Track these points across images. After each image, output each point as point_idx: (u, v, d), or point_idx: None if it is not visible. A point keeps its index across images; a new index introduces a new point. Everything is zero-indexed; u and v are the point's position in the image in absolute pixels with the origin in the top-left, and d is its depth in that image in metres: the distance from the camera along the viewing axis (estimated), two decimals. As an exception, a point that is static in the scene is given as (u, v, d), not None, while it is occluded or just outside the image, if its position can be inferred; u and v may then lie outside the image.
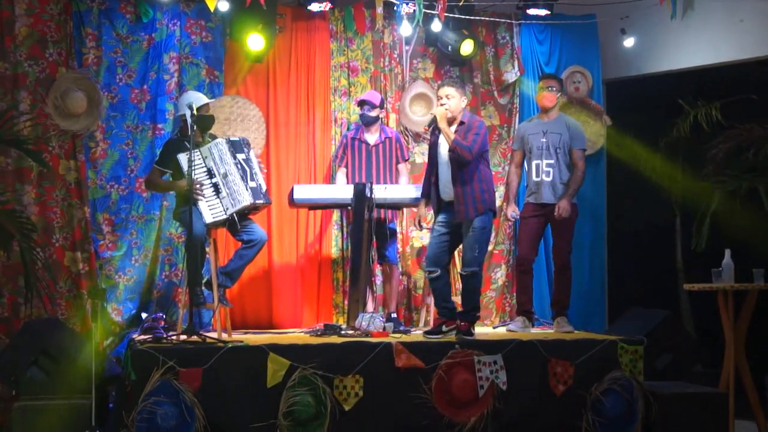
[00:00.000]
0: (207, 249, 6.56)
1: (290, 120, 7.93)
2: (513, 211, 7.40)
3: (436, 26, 7.88)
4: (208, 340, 5.90)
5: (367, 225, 6.92)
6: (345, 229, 7.88)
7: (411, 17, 7.55)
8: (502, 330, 7.27)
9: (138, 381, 5.51)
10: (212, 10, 6.87)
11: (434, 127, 6.46)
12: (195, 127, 6.27)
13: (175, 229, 7.45)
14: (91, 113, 7.21)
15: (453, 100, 6.41)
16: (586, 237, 8.28)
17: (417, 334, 6.68)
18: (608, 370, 6.14)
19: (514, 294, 7.81)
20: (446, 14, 7.67)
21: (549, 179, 7.06)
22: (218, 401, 5.62)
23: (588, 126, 8.20)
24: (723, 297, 6.18)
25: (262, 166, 6.83)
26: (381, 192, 6.99)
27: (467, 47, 8.08)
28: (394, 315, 7.43)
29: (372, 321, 6.56)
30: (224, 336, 6.35)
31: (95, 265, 7.22)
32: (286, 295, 7.77)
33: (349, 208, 7.10)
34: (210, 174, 6.39)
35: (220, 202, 6.39)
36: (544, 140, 7.10)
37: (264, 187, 6.59)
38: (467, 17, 8.02)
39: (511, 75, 8.43)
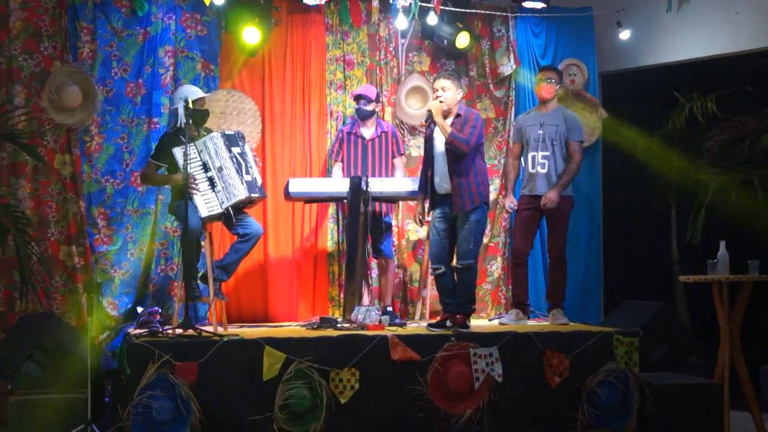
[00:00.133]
0: (202, 243, 6.57)
1: (286, 113, 7.93)
2: (511, 202, 7.42)
3: (432, 19, 7.88)
4: (203, 333, 5.90)
5: (363, 218, 6.92)
6: (341, 223, 7.88)
7: (407, 10, 7.54)
8: (497, 322, 7.28)
9: (134, 375, 5.50)
10: (207, 3, 6.88)
11: (430, 121, 6.46)
12: (190, 120, 6.27)
13: (170, 222, 7.45)
14: (86, 107, 7.20)
15: (449, 93, 6.40)
16: (581, 229, 8.30)
17: (413, 327, 6.69)
18: (604, 362, 6.15)
19: (510, 287, 7.82)
20: (442, 7, 7.69)
21: (544, 171, 7.06)
22: (214, 395, 5.62)
23: (583, 119, 8.18)
24: (718, 288, 6.18)
25: (257, 159, 6.82)
26: (377, 185, 6.99)
27: (463, 40, 8.08)
28: (389, 308, 7.45)
29: (368, 314, 6.57)
30: (220, 330, 6.35)
31: (91, 260, 7.20)
32: (281, 289, 7.78)
33: (345, 201, 7.10)
34: (205, 168, 6.39)
35: (216, 195, 6.38)
36: (541, 132, 7.11)
37: (259, 181, 6.58)
38: (463, 10, 8.02)
39: (506, 68, 8.43)
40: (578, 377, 6.11)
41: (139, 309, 7.17)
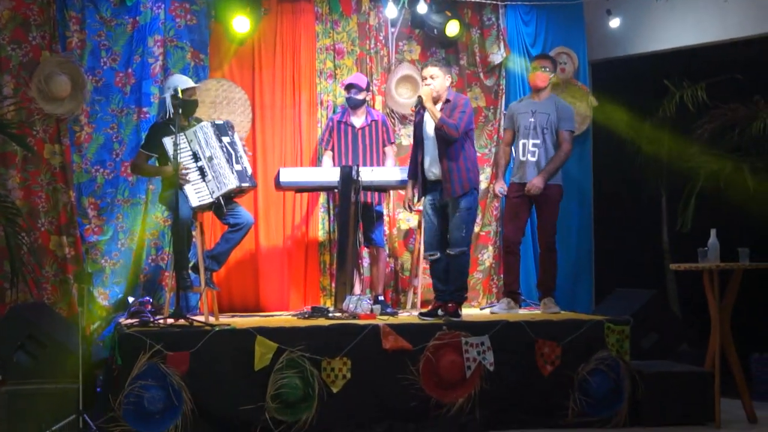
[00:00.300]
0: (193, 232, 6.56)
1: (276, 103, 7.91)
2: (501, 187, 7.46)
3: (422, 8, 7.85)
4: (195, 323, 5.90)
5: (354, 207, 6.91)
6: (332, 212, 7.86)
7: (396, -1, 7.54)
8: (488, 311, 7.29)
9: (125, 365, 5.51)
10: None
11: (420, 106, 6.46)
12: (179, 110, 6.25)
13: (161, 212, 7.42)
14: (76, 97, 7.16)
15: (438, 80, 6.40)
16: (572, 218, 8.31)
17: (404, 316, 6.70)
18: (595, 350, 6.17)
19: (501, 275, 7.84)
20: (432, -5, 7.67)
21: (534, 159, 7.08)
22: (206, 384, 5.62)
23: (574, 107, 8.18)
24: (708, 276, 6.19)
25: (246, 149, 6.81)
26: (368, 174, 6.97)
27: (453, 28, 8.06)
28: (381, 297, 7.46)
29: (359, 303, 6.58)
30: (211, 319, 6.35)
31: (81, 250, 7.18)
32: (273, 278, 7.77)
33: (336, 190, 7.10)
34: (195, 157, 6.37)
35: (206, 185, 6.37)
36: (532, 120, 7.12)
37: (249, 170, 6.57)
38: (452, -1, 8.02)
39: (497, 56, 8.41)
40: (569, 365, 6.12)
41: (130, 299, 7.16)
